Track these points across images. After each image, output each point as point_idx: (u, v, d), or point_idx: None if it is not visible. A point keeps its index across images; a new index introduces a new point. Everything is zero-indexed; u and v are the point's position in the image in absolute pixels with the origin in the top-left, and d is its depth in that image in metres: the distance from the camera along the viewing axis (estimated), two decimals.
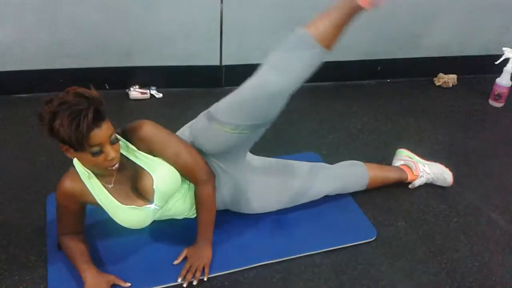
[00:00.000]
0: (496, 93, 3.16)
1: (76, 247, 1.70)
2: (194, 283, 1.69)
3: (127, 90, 3.00)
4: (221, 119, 1.71)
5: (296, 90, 1.73)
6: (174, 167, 1.69)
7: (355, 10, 1.64)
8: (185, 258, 1.76)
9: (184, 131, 1.86)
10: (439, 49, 3.49)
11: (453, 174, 2.28)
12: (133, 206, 1.65)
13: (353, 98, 3.20)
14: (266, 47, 3.26)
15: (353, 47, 3.33)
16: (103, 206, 1.66)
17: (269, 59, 1.72)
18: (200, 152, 1.79)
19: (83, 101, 1.40)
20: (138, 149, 1.65)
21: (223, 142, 1.77)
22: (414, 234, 2.02)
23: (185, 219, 1.91)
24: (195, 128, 1.83)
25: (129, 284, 1.67)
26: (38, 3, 2.66)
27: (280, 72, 1.68)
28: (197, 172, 1.73)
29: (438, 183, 2.29)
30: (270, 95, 1.68)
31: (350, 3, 1.63)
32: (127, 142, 1.65)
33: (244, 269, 1.78)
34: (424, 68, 3.53)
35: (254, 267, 1.79)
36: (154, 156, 1.67)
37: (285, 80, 1.68)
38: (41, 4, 2.67)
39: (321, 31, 1.66)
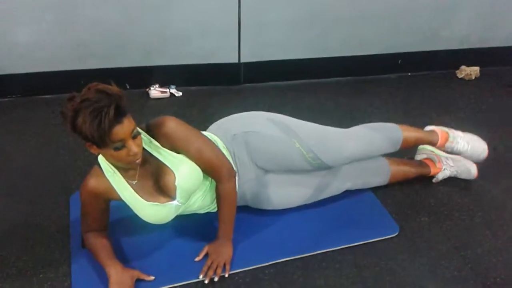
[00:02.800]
0: None
1: (100, 244, 1.72)
2: (216, 279, 1.69)
3: (147, 89, 3.02)
4: (309, 146, 1.86)
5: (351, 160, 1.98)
6: (197, 164, 1.69)
7: (432, 143, 2.17)
8: (206, 255, 1.77)
9: (227, 125, 1.92)
10: (460, 41, 3.44)
11: (477, 167, 2.24)
12: (156, 203, 1.67)
13: (374, 92, 3.17)
14: (284, 43, 3.28)
15: (373, 41, 3.30)
16: (127, 202, 1.68)
17: (363, 128, 2.06)
18: (241, 149, 1.83)
19: (104, 97, 1.41)
20: (162, 146, 1.66)
21: (289, 159, 1.88)
22: (437, 229, 1.99)
23: (207, 213, 1.92)
24: (252, 129, 1.86)
25: (153, 278, 1.68)
26: (58, 4, 2.70)
27: (362, 142, 2.00)
28: (219, 169, 1.73)
29: (463, 176, 2.25)
30: (342, 154, 1.94)
31: (433, 139, 2.15)
32: (151, 138, 1.66)
33: (265, 266, 1.78)
34: (445, 60, 3.48)
35: (274, 263, 1.79)
36: (177, 152, 1.67)
37: (360, 149, 1.98)
38: (60, 6, 2.71)
39: (408, 136, 2.08)
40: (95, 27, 2.82)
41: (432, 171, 2.22)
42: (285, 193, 1.95)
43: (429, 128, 2.25)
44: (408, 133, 2.09)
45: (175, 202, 1.69)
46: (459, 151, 2.15)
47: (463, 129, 2.26)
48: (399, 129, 2.08)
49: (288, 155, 1.86)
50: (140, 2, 2.81)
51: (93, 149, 1.51)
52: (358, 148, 1.98)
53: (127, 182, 1.65)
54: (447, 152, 2.22)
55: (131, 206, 1.68)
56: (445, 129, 2.20)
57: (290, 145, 1.85)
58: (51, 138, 2.53)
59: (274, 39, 3.11)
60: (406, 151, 2.40)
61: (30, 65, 2.85)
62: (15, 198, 2.09)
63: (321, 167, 1.92)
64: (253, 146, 1.84)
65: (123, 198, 1.67)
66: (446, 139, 2.14)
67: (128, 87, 3.04)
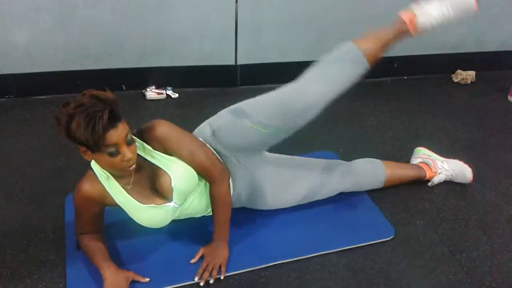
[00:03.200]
0: None
1: (95, 246, 1.71)
2: (211, 282, 1.69)
3: (143, 91, 3.02)
4: (254, 117, 1.75)
5: (330, 102, 1.79)
6: (190, 166, 1.70)
7: (403, 34, 1.86)
8: (202, 257, 1.77)
9: (204, 128, 1.88)
10: (456, 46, 3.45)
11: (472, 171, 2.25)
12: (153, 205, 1.66)
13: (369, 96, 3.18)
14: (281, 46, 3.28)
15: None
16: (122, 207, 1.67)
17: (314, 69, 1.80)
18: (219, 147, 1.82)
19: (98, 103, 1.41)
20: (154, 149, 1.66)
21: (249, 139, 1.81)
22: (433, 232, 2.00)
23: (202, 217, 1.92)
24: (219, 124, 1.85)
25: (148, 279, 1.68)
26: (54, 5, 2.70)
27: (322, 81, 1.76)
28: (212, 171, 1.74)
29: (458, 180, 2.26)
30: (307, 102, 1.74)
31: (400, 27, 1.84)
32: (143, 143, 1.66)
33: (261, 268, 1.78)
34: (441, 64, 3.49)
35: (270, 266, 1.79)
36: (169, 155, 1.67)
37: (325, 89, 1.77)
38: (57, 7, 2.70)
39: (369, 48, 1.81)
40: (91, 28, 2.82)
41: (428, 175, 2.23)
42: (280, 193, 1.95)
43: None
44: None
45: (171, 204, 1.69)
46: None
47: (459, 133, 2.26)
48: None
49: (245, 136, 1.81)
50: (137, 4, 2.81)
51: (87, 155, 1.51)
52: (318, 85, 1.79)
53: (122, 187, 1.65)
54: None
55: (126, 210, 1.67)
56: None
57: (243, 126, 1.79)
58: (47, 138, 2.52)
59: (271, 41, 3.12)
60: (402, 155, 2.42)
61: (27, 65, 2.85)
62: (10, 199, 2.09)
63: (279, 131, 1.79)
64: (223, 140, 1.83)
65: (118, 203, 1.66)
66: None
67: (124, 88, 3.04)
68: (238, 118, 1.80)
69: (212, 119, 1.90)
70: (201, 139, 1.85)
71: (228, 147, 1.83)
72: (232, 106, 1.87)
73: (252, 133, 1.78)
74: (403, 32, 1.87)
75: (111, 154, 1.47)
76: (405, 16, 1.88)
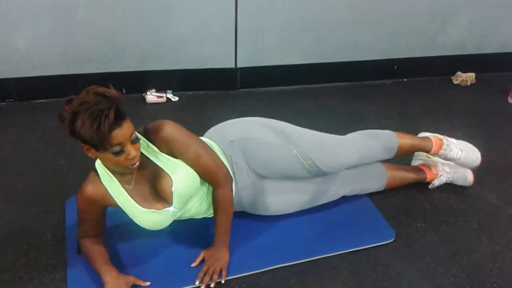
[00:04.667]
0: None
1: (96, 250, 1.71)
2: (212, 285, 1.69)
3: (143, 94, 3.02)
4: (306, 151, 1.86)
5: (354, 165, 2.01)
6: (194, 169, 1.69)
7: (427, 150, 2.16)
8: (203, 261, 1.76)
9: (228, 130, 1.91)
10: (456, 48, 3.46)
11: (473, 174, 2.25)
12: (153, 209, 1.66)
13: (370, 98, 3.18)
14: (280, 49, 3.29)
15: (369, 47, 3.31)
16: (123, 208, 1.67)
17: (360, 135, 2.08)
18: (238, 154, 1.83)
19: (103, 100, 1.41)
20: (160, 150, 1.66)
21: (285, 165, 1.87)
22: (434, 235, 2.00)
23: (203, 220, 1.92)
24: (251, 135, 1.86)
25: (149, 283, 1.67)
26: (55, 9, 2.70)
27: (360, 152, 2.02)
28: (216, 174, 1.73)
29: (459, 182, 2.26)
30: (338, 165, 1.97)
31: (428, 146, 2.14)
32: (148, 142, 1.66)
33: (262, 272, 1.77)
34: (441, 67, 3.50)
35: (271, 269, 1.78)
36: (174, 157, 1.67)
37: (356, 156, 2.00)
38: (57, 11, 2.71)
39: (403, 144, 2.10)
40: (92, 32, 2.82)
41: (429, 177, 2.22)
42: (282, 199, 1.95)
43: (423, 134, 2.26)
44: (403, 140, 2.11)
45: (171, 208, 1.68)
46: (452, 158, 2.16)
47: (459, 135, 2.26)
48: (394, 136, 2.09)
49: (286, 162, 1.86)
50: (137, 7, 2.81)
51: (91, 153, 1.50)
52: (355, 155, 1.99)
53: (123, 187, 1.65)
54: (441, 159, 2.23)
55: (127, 211, 1.67)
56: (439, 136, 2.21)
57: (287, 152, 1.85)
58: (47, 142, 2.52)
59: (271, 44, 3.12)
60: (403, 157, 2.41)
61: (27, 69, 2.85)
62: (11, 203, 2.08)
63: (319, 174, 1.92)
64: (251, 153, 1.84)
65: (119, 204, 1.66)
66: (440, 146, 2.15)
67: (124, 91, 3.04)
68: (284, 141, 1.85)
69: (242, 125, 1.91)
70: (207, 139, 1.86)
71: (251, 160, 1.84)
72: (268, 121, 1.93)
73: (293, 161, 1.85)
74: (428, 149, 2.15)
75: (116, 153, 1.47)
76: (434, 138, 2.17)
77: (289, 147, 1.85)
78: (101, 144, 1.42)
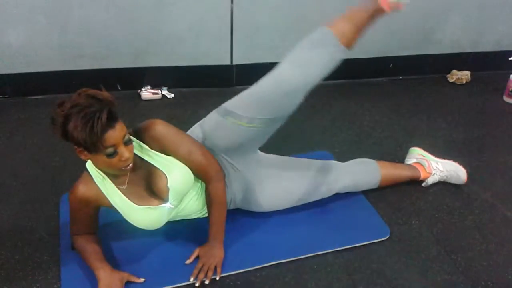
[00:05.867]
0: (510, 89, 3.12)
1: (89, 246, 1.71)
2: (206, 282, 1.69)
3: (138, 91, 3.01)
4: (237, 113, 1.74)
5: (313, 87, 1.77)
6: (186, 165, 1.69)
7: (377, 13, 1.76)
8: (197, 258, 1.76)
9: (195, 130, 1.87)
10: (451, 46, 3.46)
11: (467, 172, 2.25)
12: (148, 206, 1.66)
13: (365, 96, 3.18)
14: (276, 46, 3.28)
15: (364, 45, 3.28)
16: (117, 209, 1.66)
17: (290, 55, 1.78)
18: (211, 149, 1.80)
19: (95, 102, 1.40)
20: (151, 148, 1.65)
21: (236, 137, 1.79)
22: (428, 232, 2.00)
23: (197, 218, 1.91)
24: (207, 125, 1.84)
25: (143, 280, 1.68)
26: (50, 5, 2.68)
27: (301, 68, 1.74)
28: (209, 170, 1.73)
29: (452, 181, 2.27)
30: (288, 90, 1.73)
31: (373, 6, 1.73)
32: (140, 142, 1.65)
33: (256, 268, 1.77)
34: (436, 65, 3.50)
35: (266, 266, 1.78)
36: (166, 155, 1.67)
37: (304, 76, 1.73)
38: (52, 6, 2.69)
39: (344, 31, 1.74)
40: (86, 28, 2.81)
41: (422, 175, 2.23)
42: (275, 195, 1.94)
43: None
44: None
45: (167, 205, 1.68)
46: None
47: (454, 133, 2.27)
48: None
49: (232, 134, 1.80)
50: (132, 4, 2.80)
51: (84, 155, 1.50)
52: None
53: (117, 187, 1.64)
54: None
55: (122, 212, 1.67)
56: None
57: (228, 124, 1.78)
58: (42, 139, 2.51)
59: (267, 41, 3.11)
60: (397, 156, 2.42)
61: (21, 65, 2.83)
62: (4, 199, 2.07)
63: (264, 125, 1.77)
64: (213, 142, 1.82)
65: (114, 205, 1.65)
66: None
67: (119, 88, 3.03)
68: (222, 117, 1.79)
69: (202, 121, 1.89)
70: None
71: (218, 149, 1.82)
72: (220, 107, 1.85)
73: (238, 130, 1.77)
74: (377, 11, 1.78)
75: (109, 155, 1.47)
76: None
77: (226, 117, 1.77)
78: (94, 146, 1.42)
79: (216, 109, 1.84)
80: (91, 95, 1.42)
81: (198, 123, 1.90)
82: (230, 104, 1.80)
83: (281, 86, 1.73)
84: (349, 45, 1.76)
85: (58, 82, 2.90)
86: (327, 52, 1.75)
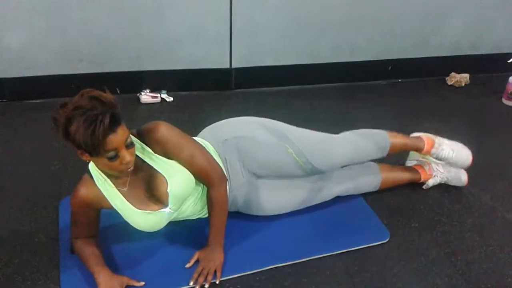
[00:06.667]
0: (509, 92, 3.13)
1: (89, 250, 1.70)
2: (206, 286, 1.68)
3: (138, 94, 3.01)
4: (296, 145, 1.86)
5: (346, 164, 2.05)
6: (188, 170, 1.69)
7: (418, 150, 2.19)
8: (197, 261, 1.76)
9: (221, 129, 1.91)
10: (450, 48, 3.47)
11: (467, 174, 2.25)
12: (148, 211, 1.65)
13: (364, 98, 3.18)
14: (275, 49, 3.28)
15: (364, 48, 3.31)
16: (118, 211, 1.66)
17: (353, 134, 2.08)
18: (231, 153, 1.83)
19: (98, 105, 1.40)
20: (154, 151, 1.65)
21: (280, 165, 1.89)
22: (428, 235, 2.00)
23: (198, 219, 1.91)
24: (245, 134, 1.86)
25: (143, 283, 1.67)
26: (49, 9, 2.69)
27: (351, 149, 2.02)
28: (211, 175, 1.73)
29: (453, 183, 2.26)
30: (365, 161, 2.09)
31: (420, 146, 2.16)
32: (143, 144, 1.65)
33: (256, 272, 1.77)
34: (435, 67, 3.51)
35: (266, 270, 1.78)
36: (168, 158, 1.66)
37: (349, 154, 2.01)
38: (52, 10, 2.69)
39: (395, 142, 2.10)
40: (86, 32, 2.81)
41: (423, 177, 2.23)
42: (276, 199, 1.94)
43: (415, 134, 2.26)
44: (396, 139, 2.12)
45: (167, 210, 1.68)
46: (444, 157, 2.17)
47: (453, 135, 2.27)
48: (387, 136, 2.10)
49: (280, 160, 1.86)
50: (131, 8, 2.80)
51: (85, 157, 1.50)
52: (347, 153, 2.00)
53: (118, 190, 1.64)
54: (433, 158, 2.24)
55: (122, 214, 1.67)
56: (431, 136, 2.22)
57: (282, 150, 1.85)
58: (41, 143, 2.50)
59: (266, 45, 3.12)
60: (397, 158, 2.41)
61: (21, 69, 2.83)
62: (4, 203, 2.07)
63: (313, 172, 1.93)
64: (245, 152, 1.84)
65: (114, 207, 1.65)
66: (432, 145, 2.16)
67: (118, 91, 3.03)
68: (280, 141, 1.85)
69: (235, 125, 1.92)
70: (201, 139, 1.85)
71: (245, 159, 1.84)
72: (262, 120, 1.93)
73: (287, 159, 1.86)
74: (420, 149, 2.17)
75: (111, 158, 1.46)
76: (426, 138, 2.20)
77: (283, 145, 1.85)
78: (95, 149, 1.42)
79: (263, 124, 1.91)
80: (94, 97, 1.42)
81: (228, 122, 1.94)
82: (296, 138, 1.89)
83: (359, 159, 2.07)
84: (389, 152, 2.11)
85: (57, 86, 2.89)
86: (374, 147, 2.07)
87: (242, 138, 1.85)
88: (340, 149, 1.99)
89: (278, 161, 1.87)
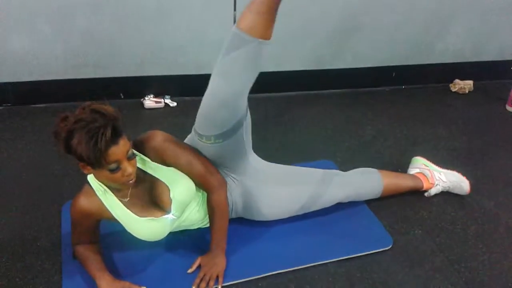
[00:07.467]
0: None
1: (90, 256, 1.70)
2: None
3: (141, 99, 3.01)
4: (199, 132, 1.74)
5: (249, 89, 1.71)
6: (188, 176, 1.69)
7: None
8: (199, 267, 1.75)
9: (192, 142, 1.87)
10: (454, 55, 3.46)
11: (470, 182, 2.24)
12: (151, 218, 1.65)
13: (367, 105, 3.18)
14: (277, 55, 3.29)
15: (368, 54, 3.31)
16: (120, 221, 1.66)
17: (215, 67, 1.69)
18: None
19: (100, 118, 1.40)
20: (152, 160, 1.65)
21: (212, 153, 1.78)
22: (431, 242, 1.99)
23: (198, 228, 1.91)
24: (189, 142, 1.84)
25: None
26: (53, 14, 2.70)
27: (225, 77, 1.65)
28: (210, 179, 1.73)
29: (455, 191, 2.26)
30: (222, 102, 1.66)
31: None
32: (141, 155, 1.65)
33: (258, 278, 1.76)
34: (439, 74, 3.50)
35: (268, 275, 1.77)
36: (167, 166, 1.67)
37: (231, 83, 1.65)
38: (56, 15, 2.70)
39: (250, 23, 1.59)
40: (90, 37, 2.82)
41: (425, 186, 2.22)
42: (276, 204, 1.94)
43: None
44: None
45: (170, 216, 1.68)
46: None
47: (456, 143, 2.26)
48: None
49: (206, 151, 1.78)
50: (136, 13, 2.81)
51: (87, 170, 1.50)
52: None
53: (119, 200, 1.64)
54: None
55: (124, 224, 1.66)
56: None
57: (198, 142, 1.77)
58: (44, 147, 2.51)
59: (268, 51, 3.12)
60: (400, 165, 2.41)
61: (24, 73, 2.84)
62: (6, 207, 2.07)
63: (224, 138, 1.73)
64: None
65: (116, 217, 1.65)
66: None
67: (122, 96, 3.04)
68: (194, 135, 1.79)
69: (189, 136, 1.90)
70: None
71: (211, 162, 1.81)
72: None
73: (208, 147, 1.75)
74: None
75: (112, 170, 1.47)
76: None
77: (194, 136, 1.78)
78: (97, 162, 1.42)
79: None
80: (96, 110, 1.42)
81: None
82: (195, 123, 1.77)
83: (214, 101, 1.67)
84: (263, 35, 1.62)
85: (61, 90, 2.90)
86: (242, 51, 1.60)
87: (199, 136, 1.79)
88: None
89: (207, 153, 1.79)
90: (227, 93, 1.65)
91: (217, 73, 1.67)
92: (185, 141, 1.88)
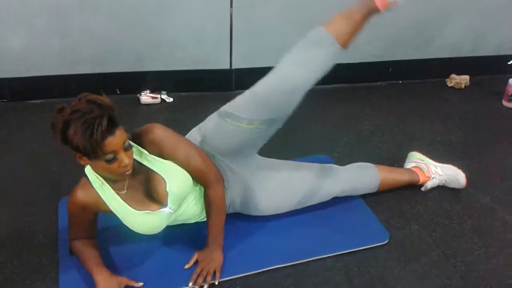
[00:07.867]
0: (509, 93, 3.12)
1: (87, 251, 1.70)
2: (205, 287, 1.68)
3: (138, 95, 3.01)
4: (237, 114, 1.75)
5: (311, 88, 1.80)
6: (185, 170, 1.69)
7: (372, 13, 1.78)
8: (196, 262, 1.76)
9: (193, 133, 1.88)
10: (451, 50, 3.47)
11: (467, 176, 2.25)
12: (147, 211, 1.65)
13: (364, 100, 3.18)
14: (276, 50, 3.26)
15: (364, 49, 3.31)
16: (116, 214, 1.66)
17: (289, 56, 1.80)
18: (210, 153, 1.80)
19: (96, 108, 1.40)
20: (149, 153, 1.65)
21: (235, 139, 1.80)
22: (428, 236, 2.00)
23: (196, 223, 1.91)
24: (207, 128, 1.85)
25: (142, 284, 1.67)
26: (50, 10, 2.69)
27: (300, 67, 1.77)
28: (207, 174, 1.73)
29: (451, 185, 2.26)
30: (288, 89, 1.76)
31: (367, 5, 1.75)
32: (139, 147, 1.65)
33: (255, 273, 1.77)
34: (436, 69, 3.50)
35: (265, 271, 1.78)
36: (164, 159, 1.67)
37: (304, 74, 1.76)
38: (53, 11, 2.70)
39: (340, 31, 1.76)
40: (87, 32, 2.81)
41: (421, 179, 2.23)
42: (273, 199, 1.94)
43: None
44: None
45: (166, 209, 1.68)
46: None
47: (453, 138, 2.27)
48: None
49: (231, 136, 1.81)
50: (132, 9, 2.80)
51: (83, 161, 1.50)
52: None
53: (116, 193, 1.64)
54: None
55: (120, 217, 1.66)
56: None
57: (227, 126, 1.79)
58: (41, 143, 2.51)
59: (266, 45, 3.12)
60: (396, 159, 2.42)
61: (22, 69, 2.84)
62: (3, 203, 2.07)
63: (264, 125, 1.79)
64: (212, 145, 1.82)
65: (113, 210, 1.65)
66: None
67: (118, 92, 3.03)
68: (222, 119, 1.80)
69: (201, 124, 1.90)
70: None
71: (217, 151, 1.82)
72: (218, 110, 1.86)
73: (238, 132, 1.78)
74: (372, 10, 1.78)
75: (109, 161, 1.47)
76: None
77: (224, 119, 1.79)
78: (93, 152, 1.42)
79: (216, 112, 1.85)
80: (92, 101, 1.42)
81: (197, 126, 1.90)
82: (230, 106, 1.81)
83: (283, 86, 1.76)
84: (345, 44, 1.77)
85: (58, 86, 2.90)
86: (326, 51, 1.77)
87: (205, 134, 1.84)
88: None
89: (232, 138, 1.81)
90: (301, 82, 1.76)
91: (292, 62, 1.80)
92: (190, 132, 1.89)
